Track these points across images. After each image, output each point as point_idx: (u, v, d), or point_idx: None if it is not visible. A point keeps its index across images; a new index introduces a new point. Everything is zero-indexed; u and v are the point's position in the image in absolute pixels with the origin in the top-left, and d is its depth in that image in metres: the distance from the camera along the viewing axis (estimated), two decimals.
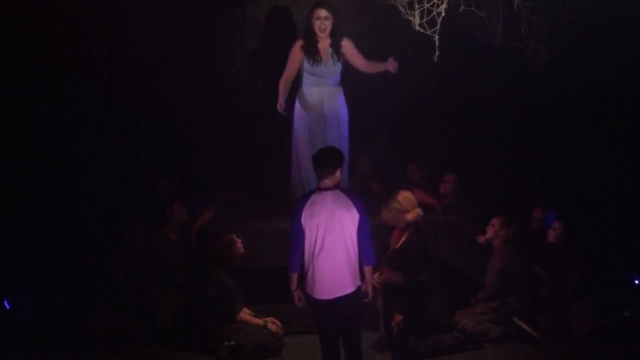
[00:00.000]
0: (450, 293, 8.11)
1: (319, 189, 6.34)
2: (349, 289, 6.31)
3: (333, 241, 6.25)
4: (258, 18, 9.79)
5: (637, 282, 8.86)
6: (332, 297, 6.29)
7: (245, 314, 7.60)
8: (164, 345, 7.54)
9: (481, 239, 8.27)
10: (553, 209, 8.56)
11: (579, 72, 10.22)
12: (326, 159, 6.37)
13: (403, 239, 7.34)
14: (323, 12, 7.95)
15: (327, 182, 6.32)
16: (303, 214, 6.28)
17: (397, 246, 7.34)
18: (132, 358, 7.46)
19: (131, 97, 9.83)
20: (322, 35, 8.02)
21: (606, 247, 9.01)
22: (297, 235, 6.31)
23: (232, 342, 7.31)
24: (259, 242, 8.18)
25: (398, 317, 7.21)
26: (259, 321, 7.57)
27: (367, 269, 6.44)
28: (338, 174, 6.35)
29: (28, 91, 9.69)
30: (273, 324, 7.57)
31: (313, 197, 6.32)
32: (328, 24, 7.97)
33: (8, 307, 8.25)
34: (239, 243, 7.72)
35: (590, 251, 8.17)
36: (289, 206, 8.81)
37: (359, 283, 6.38)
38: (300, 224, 6.28)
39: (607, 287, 8.34)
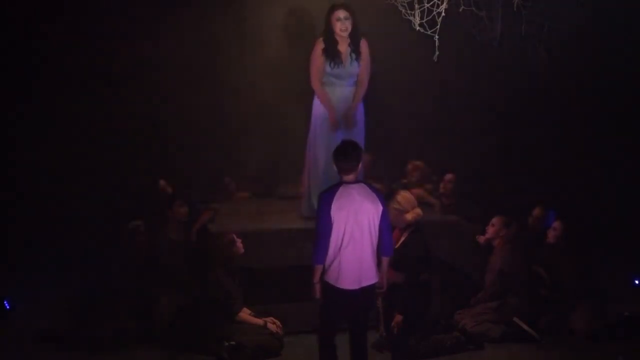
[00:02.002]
0: (450, 293, 8.10)
1: (345, 183, 6.42)
2: (373, 279, 6.45)
3: (360, 232, 6.35)
4: (258, 19, 9.78)
5: (637, 282, 8.86)
6: (358, 287, 6.38)
7: (245, 314, 7.60)
8: (164, 345, 7.53)
9: (481, 239, 8.28)
10: (553, 209, 8.55)
11: (579, 72, 10.24)
12: (349, 152, 6.45)
13: (403, 239, 7.35)
14: (343, 13, 7.91)
15: (351, 176, 6.42)
16: (332, 207, 6.32)
17: (397, 246, 7.34)
18: (133, 358, 7.45)
19: (132, 97, 9.83)
20: (343, 36, 7.98)
21: (606, 247, 9.03)
22: (325, 228, 6.33)
23: (232, 342, 7.31)
24: (259, 242, 8.17)
25: (398, 317, 7.21)
26: (259, 321, 7.57)
27: (385, 260, 6.57)
28: (360, 167, 6.48)
29: (28, 91, 9.69)
30: (273, 324, 7.56)
31: (340, 190, 6.38)
32: (348, 24, 7.93)
33: (8, 307, 8.25)
34: (239, 243, 7.72)
35: (590, 251, 8.16)
36: (289, 206, 8.89)
37: (378, 273, 6.51)
38: (329, 217, 6.31)
39: (607, 287, 8.35)
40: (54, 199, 9.80)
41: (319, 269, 6.41)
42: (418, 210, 7.41)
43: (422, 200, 8.99)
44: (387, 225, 6.48)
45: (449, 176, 9.39)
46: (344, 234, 6.32)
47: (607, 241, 9.31)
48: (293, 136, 8.96)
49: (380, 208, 6.40)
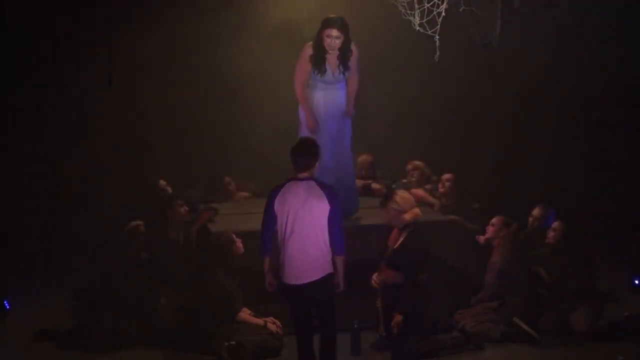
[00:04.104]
0: (450, 293, 8.10)
1: (295, 179, 6.52)
2: (316, 275, 6.46)
3: (302, 228, 6.43)
4: (257, 18, 9.78)
5: (637, 282, 8.86)
6: (299, 282, 6.45)
7: (245, 314, 7.60)
8: (164, 345, 7.53)
9: (481, 239, 8.27)
10: (553, 209, 8.55)
11: (579, 72, 10.25)
12: (306, 150, 6.56)
13: (401, 239, 7.35)
14: (334, 32, 7.88)
15: (306, 173, 6.51)
16: (276, 200, 6.49)
17: (395, 246, 7.35)
18: (133, 358, 7.45)
19: (131, 97, 9.84)
20: (331, 52, 7.99)
21: (606, 247, 9.03)
22: (268, 220, 6.55)
23: (232, 342, 7.30)
24: (259, 242, 8.15)
25: (398, 317, 7.21)
26: (259, 321, 7.57)
27: (338, 260, 6.56)
28: (316, 165, 6.55)
29: (27, 90, 9.70)
30: (273, 324, 7.56)
31: (288, 185, 6.52)
32: (338, 43, 7.92)
33: (8, 307, 8.25)
34: (239, 243, 7.73)
35: (590, 251, 8.15)
36: None
37: (329, 271, 6.51)
38: (273, 210, 6.50)
39: (607, 287, 8.35)
40: (54, 199, 9.82)
41: (265, 260, 6.60)
42: (416, 210, 7.41)
43: (422, 200, 8.99)
44: (335, 225, 6.48)
45: (447, 175, 9.38)
46: (285, 228, 6.44)
47: (608, 241, 9.31)
48: (293, 136, 8.95)
49: (328, 207, 6.43)
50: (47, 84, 9.69)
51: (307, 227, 6.42)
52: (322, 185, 6.51)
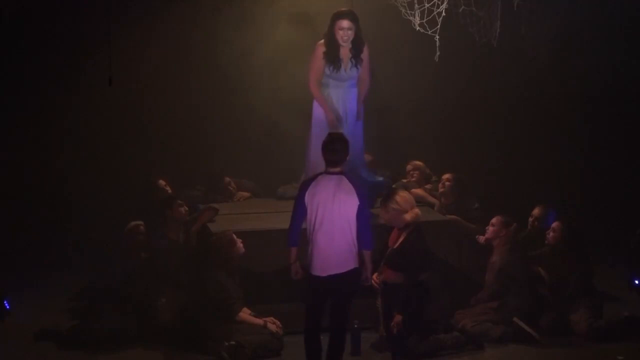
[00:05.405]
0: (450, 293, 8.10)
1: (326, 172, 6.61)
2: (343, 268, 6.54)
3: (331, 222, 6.52)
4: (257, 17, 9.78)
5: (637, 282, 8.86)
6: (325, 274, 6.53)
7: (245, 314, 7.60)
8: (164, 345, 7.54)
9: (481, 239, 8.27)
10: (553, 209, 8.55)
11: (579, 71, 10.25)
12: (334, 148, 6.61)
13: (402, 239, 7.35)
14: (346, 24, 7.93)
15: (337, 168, 6.61)
16: (307, 193, 6.59)
17: (395, 246, 7.35)
18: (133, 358, 7.46)
19: (131, 96, 9.85)
20: (345, 45, 8.02)
21: (606, 247, 9.03)
22: (296, 212, 6.68)
23: (232, 342, 7.30)
24: (259, 242, 8.16)
25: (398, 317, 7.21)
26: (259, 321, 7.57)
27: (366, 254, 6.65)
28: (346, 160, 6.65)
29: (27, 90, 9.71)
30: (273, 324, 7.56)
31: (319, 179, 6.62)
32: (350, 34, 7.98)
33: (8, 307, 8.25)
34: (239, 243, 7.73)
35: (590, 251, 8.16)
36: (289, 206, 8.86)
37: (354, 265, 6.58)
38: (303, 202, 6.61)
39: (607, 287, 8.35)
40: (54, 199, 9.83)
41: (291, 250, 6.70)
42: (417, 210, 7.41)
43: (422, 200, 8.99)
44: (364, 220, 6.57)
45: (447, 175, 9.38)
46: (314, 221, 6.54)
47: (608, 241, 9.31)
48: (293, 136, 8.96)
49: (357, 202, 6.52)
50: (47, 83, 9.69)
51: (336, 222, 6.51)
52: (352, 181, 6.60)
